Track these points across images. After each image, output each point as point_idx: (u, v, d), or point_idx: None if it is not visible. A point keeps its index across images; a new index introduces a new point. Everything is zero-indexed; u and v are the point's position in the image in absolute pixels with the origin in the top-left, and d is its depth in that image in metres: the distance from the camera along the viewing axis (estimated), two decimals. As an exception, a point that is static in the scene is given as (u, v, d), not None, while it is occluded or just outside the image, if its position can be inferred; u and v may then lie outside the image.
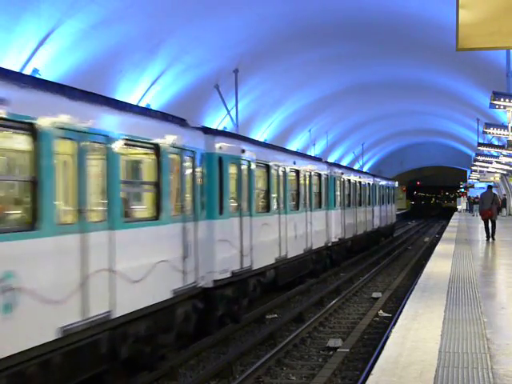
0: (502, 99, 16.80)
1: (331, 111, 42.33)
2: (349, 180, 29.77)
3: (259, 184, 17.49)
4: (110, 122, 9.84)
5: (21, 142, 8.09)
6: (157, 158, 11.14)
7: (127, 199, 10.67)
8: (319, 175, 24.11)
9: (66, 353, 8.46)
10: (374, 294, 20.52)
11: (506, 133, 23.04)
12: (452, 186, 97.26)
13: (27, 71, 16.68)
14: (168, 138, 11.52)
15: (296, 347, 13.69)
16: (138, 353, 10.52)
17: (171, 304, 11.46)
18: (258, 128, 35.07)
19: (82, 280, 8.75)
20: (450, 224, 44.58)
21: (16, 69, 15.90)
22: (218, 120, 29.52)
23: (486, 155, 36.55)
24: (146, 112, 11.54)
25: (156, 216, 11.06)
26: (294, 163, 20.65)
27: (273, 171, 18.18)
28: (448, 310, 10.72)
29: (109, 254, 9.44)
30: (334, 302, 18.50)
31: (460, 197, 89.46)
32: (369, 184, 35.40)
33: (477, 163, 41.81)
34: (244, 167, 15.70)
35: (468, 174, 69.33)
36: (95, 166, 9.44)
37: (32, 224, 7.92)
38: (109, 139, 9.61)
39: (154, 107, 23.19)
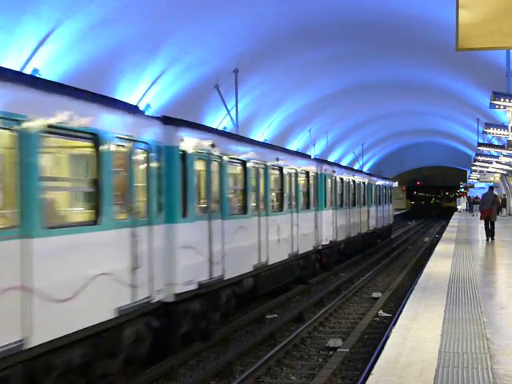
0: (501, 99, 16.81)
1: (331, 111, 42.34)
2: (341, 178, 28.19)
3: (234, 183, 15.79)
4: (19, 100, 7.79)
5: None
6: (96, 150, 9.29)
7: (53, 200, 8.96)
8: (307, 173, 22.36)
9: None
10: (374, 294, 20.51)
11: (505, 133, 23.06)
12: (452, 186, 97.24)
13: (27, 71, 16.69)
14: (112, 127, 9.73)
15: (296, 347, 13.68)
16: None
17: (116, 325, 9.70)
18: (257, 128, 35.09)
19: None
20: (449, 224, 44.59)
21: (16, 69, 15.90)
22: (218, 120, 29.53)
23: (485, 155, 36.57)
24: (79, 94, 9.27)
25: (94, 220, 9.26)
26: (277, 159, 18.79)
27: (250, 168, 16.26)
28: (448, 310, 10.72)
29: (22, 269, 7.58)
30: (334, 302, 18.51)
31: (460, 197, 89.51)
32: (364, 183, 34.00)
33: (477, 163, 41.82)
34: (214, 163, 13.90)
35: (468, 174, 69.36)
36: (3, 159, 7.69)
37: None
38: (21, 124, 7.64)
39: (153, 107, 23.23)
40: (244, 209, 15.95)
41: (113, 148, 9.70)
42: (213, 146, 13.70)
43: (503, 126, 23.85)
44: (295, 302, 19.50)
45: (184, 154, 12.43)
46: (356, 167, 53.34)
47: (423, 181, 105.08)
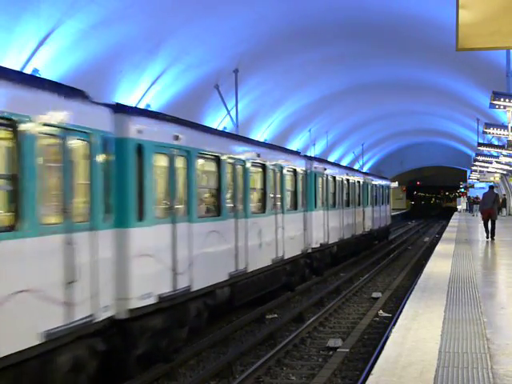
0: (501, 99, 16.82)
1: (331, 111, 42.35)
2: (334, 177, 26.34)
3: (205, 181, 14.18)
4: None
5: None
6: (14, 139, 7.62)
7: None
8: (295, 171, 20.43)
9: None
10: (374, 294, 20.51)
11: (505, 133, 23.06)
12: (452, 186, 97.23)
13: (27, 71, 16.69)
14: (36, 112, 7.99)
15: (296, 347, 13.68)
16: None
17: (43, 352, 8.02)
18: (258, 128, 35.11)
19: None
20: (449, 224, 44.59)
21: (16, 69, 15.90)
22: (218, 120, 29.54)
23: (485, 155, 36.58)
24: None
25: (11, 225, 7.56)
26: (258, 156, 17.01)
27: (225, 165, 14.53)
28: (448, 310, 10.72)
29: None
30: (334, 302, 18.51)
31: (460, 197, 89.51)
32: (359, 182, 32.18)
33: (477, 163, 41.84)
34: (180, 159, 12.18)
35: (468, 174, 69.37)
36: None
37: None
38: None
39: (154, 107, 23.20)
40: (217, 210, 14.18)
41: (38, 138, 7.95)
42: (177, 138, 11.99)
43: (503, 126, 23.86)
44: (295, 302, 19.50)
45: (140, 148, 10.73)
46: (356, 167, 53.30)
47: (423, 181, 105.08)
